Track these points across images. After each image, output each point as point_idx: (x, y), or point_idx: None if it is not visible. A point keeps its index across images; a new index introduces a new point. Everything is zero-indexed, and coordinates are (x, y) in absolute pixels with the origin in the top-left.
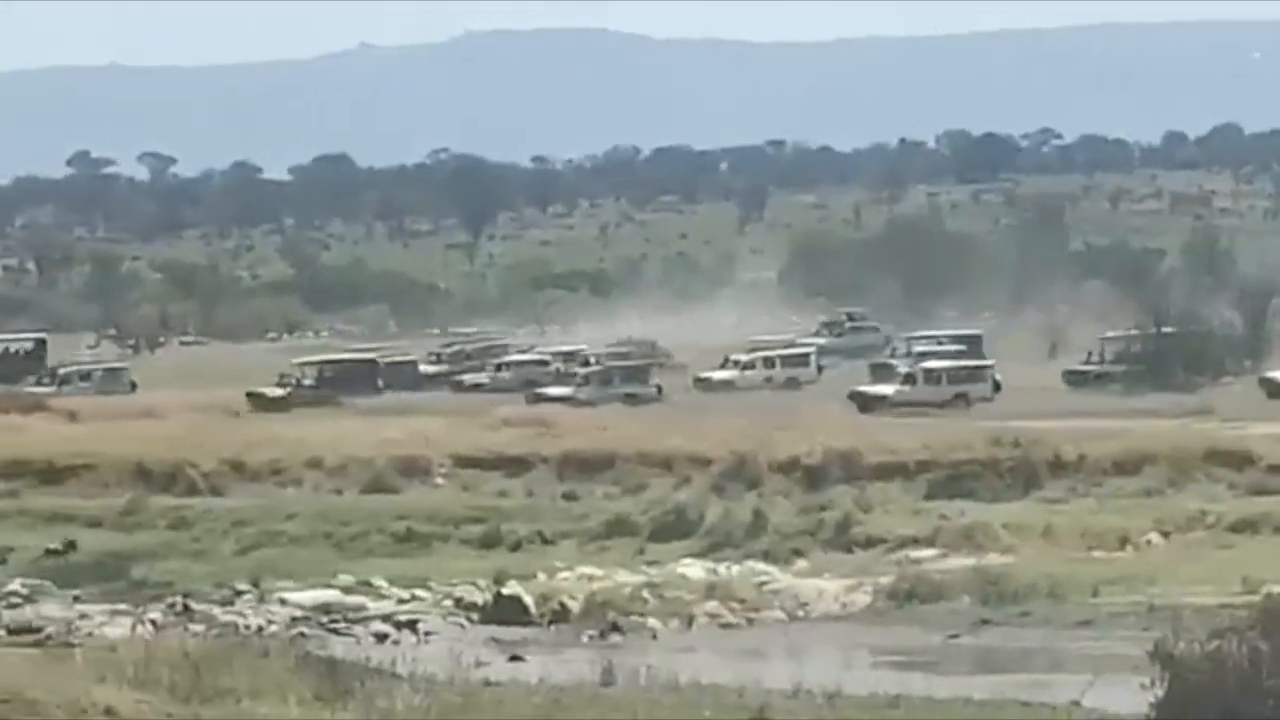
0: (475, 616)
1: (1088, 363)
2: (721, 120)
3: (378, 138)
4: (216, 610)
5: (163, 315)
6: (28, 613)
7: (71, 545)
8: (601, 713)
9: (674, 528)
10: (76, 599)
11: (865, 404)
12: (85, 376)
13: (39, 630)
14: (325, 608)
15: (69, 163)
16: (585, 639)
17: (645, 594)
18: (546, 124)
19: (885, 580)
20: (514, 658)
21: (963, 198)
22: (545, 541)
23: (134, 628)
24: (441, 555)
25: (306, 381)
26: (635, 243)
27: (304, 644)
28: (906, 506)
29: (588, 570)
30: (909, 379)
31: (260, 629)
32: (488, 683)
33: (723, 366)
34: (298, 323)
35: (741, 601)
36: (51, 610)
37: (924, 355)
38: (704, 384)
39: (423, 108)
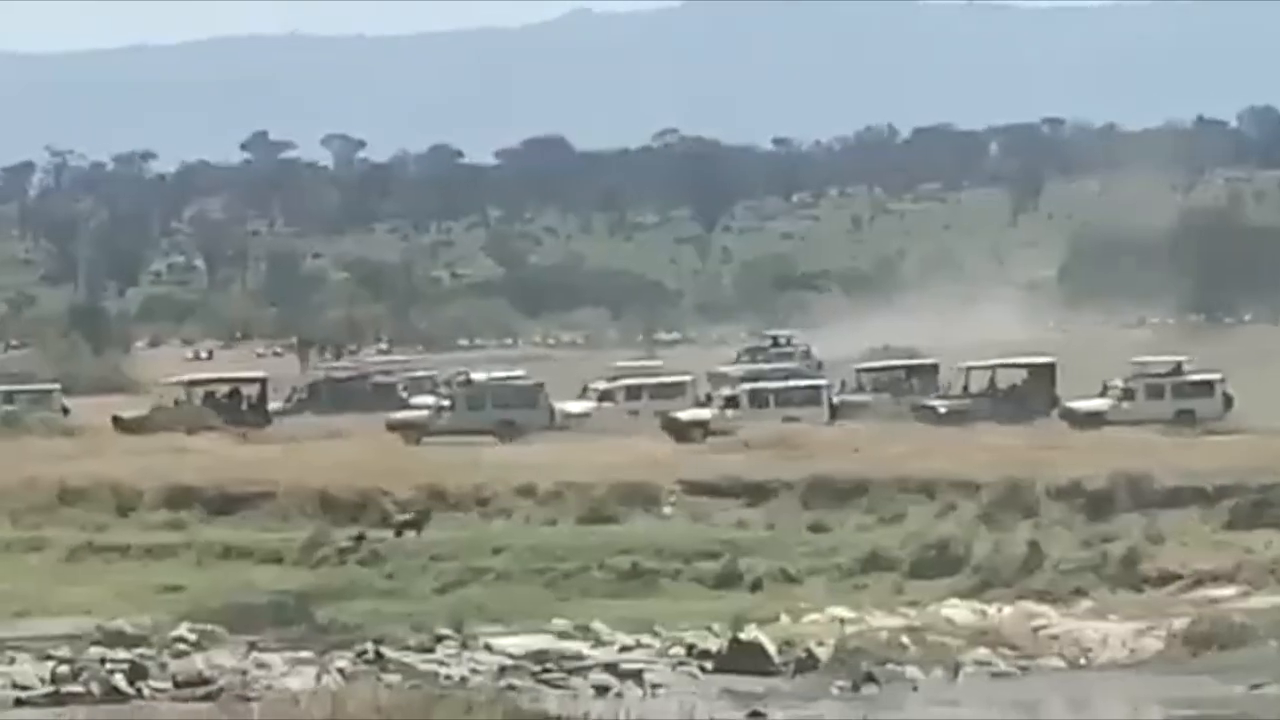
0: (709, 665)
1: None
2: (990, 96)
3: (596, 117)
4: (413, 658)
5: (350, 321)
6: (197, 662)
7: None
8: None
9: (937, 563)
10: (252, 646)
11: (1077, 421)
12: (9, 399)
13: (210, 682)
14: (538, 655)
15: (244, 146)
16: (836, 691)
17: (904, 639)
18: (790, 101)
19: (1180, 623)
20: (754, 713)
21: (1269, 185)
22: (789, 579)
23: (319, 678)
24: (670, 595)
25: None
26: (892, 236)
27: (514, 697)
28: (1204, 538)
29: (838, 612)
30: (1128, 394)
31: (464, 679)
32: None
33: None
34: (506, 328)
35: (1014, 648)
36: (224, 659)
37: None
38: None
39: (648, 83)
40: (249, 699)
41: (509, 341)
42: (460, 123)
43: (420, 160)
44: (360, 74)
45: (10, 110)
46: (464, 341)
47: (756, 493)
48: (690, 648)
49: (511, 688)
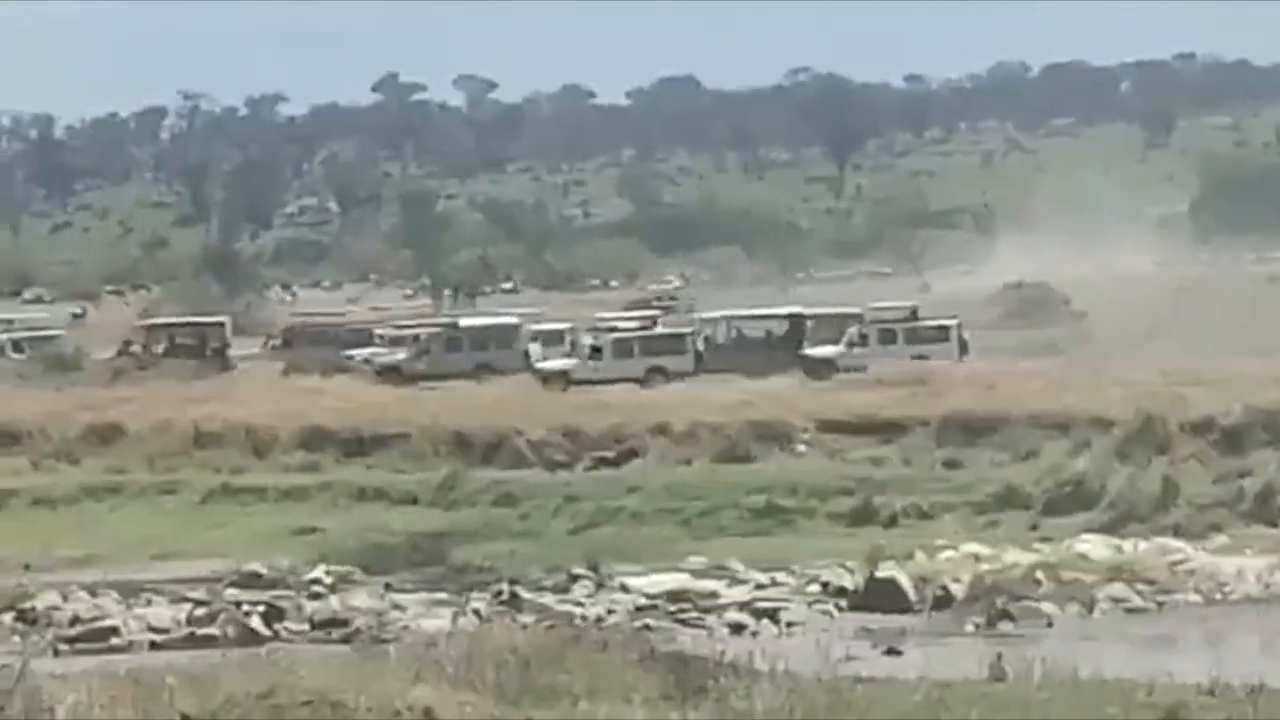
0: (844, 603)
1: None
2: (1122, 31)
3: (727, 55)
4: (548, 599)
5: (483, 261)
6: (334, 604)
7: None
8: (989, 712)
9: (1072, 499)
10: (388, 587)
11: None
12: (19, 346)
13: (347, 624)
14: (673, 595)
15: (375, 89)
16: (971, 628)
17: (1039, 575)
18: (921, 37)
19: None
20: (890, 650)
21: None
22: (924, 516)
23: (455, 619)
24: (805, 533)
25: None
26: (1024, 173)
27: (649, 636)
28: None
29: (973, 549)
30: (862, 339)
31: (599, 619)
32: (859, 679)
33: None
34: (638, 268)
35: (1150, 583)
36: (360, 601)
37: None
38: None
39: (779, 21)
40: (385, 640)
41: (646, 279)
42: (591, 62)
43: (552, 100)
44: (491, 15)
45: (141, 54)
46: (595, 281)
47: (890, 430)
48: (825, 585)
49: (647, 627)
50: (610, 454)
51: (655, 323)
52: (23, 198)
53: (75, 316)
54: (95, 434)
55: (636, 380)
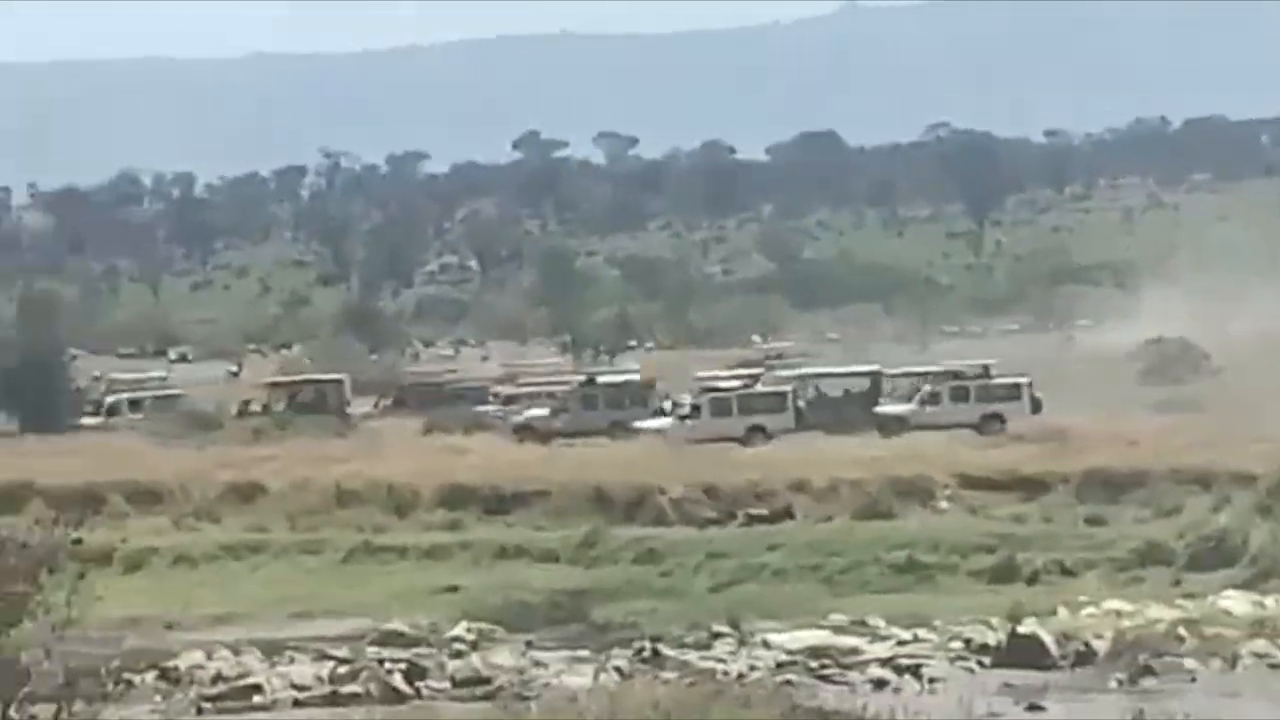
0: (987, 660)
1: None
2: (1263, 86)
3: (867, 112)
4: (690, 655)
5: (623, 318)
6: (475, 661)
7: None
8: None
9: (1214, 555)
10: (530, 645)
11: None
12: (136, 405)
13: (489, 681)
14: (815, 651)
15: (515, 146)
16: (1114, 683)
17: (1182, 631)
18: (1061, 92)
19: None
20: (1032, 706)
21: None
22: (1066, 573)
23: (596, 676)
24: (947, 590)
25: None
26: (1164, 228)
27: (791, 693)
28: None
29: (1115, 605)
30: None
31: (741, 676)
32: None
33: None
34: (778, 325)
35: None
36: (502, 658)
37: None
38: None
39: (918, 76)
40: (527, 698)
41: (756, 339)
42: (732, 119)
43: (692, 157)
44: (632, 72)
45: (283, 112)
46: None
47: (1032, 486)
48: (968, 642)
49: (788, 683)
50: (764, 511)
51: (756, 381)
52: (164, 257)
53: (232, 374)
54: (236, 493)
55: (737, 440)
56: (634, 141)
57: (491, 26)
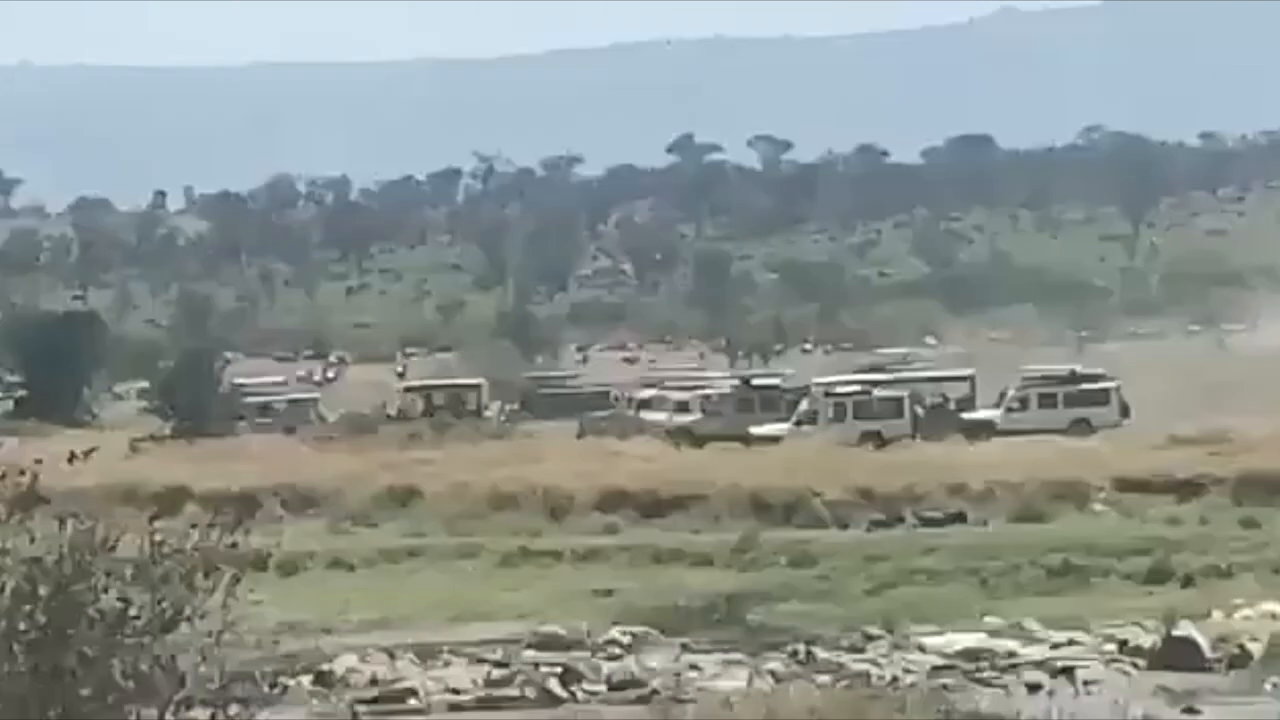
0: (1142, 662)
1: None
2: None
3: (1022, 115)
4: (845, 658)
5: (778, 322)
6: (630, 665)
7: None
8: None
9: None
10: (685, 648)
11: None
12: (266, 410)
13: (643, 684)
14: (970, 654)
15: (670, 149)
16: (1270, 687)
17: None
18: (1217, 95)
19: None
20: (1187, 709)
21: None
22: (1222, 575)
23: (750, 680)
24: (1102, 592)
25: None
26: None
27: (947, 696)
28: None
29: (1271, 607)
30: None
31: (895, 680)
32: None
33: None
34: (933, 328)
35: None
36: (657, 661)
37: None
38: None
39: (1073, 78)
40: (682, 701)
41: (931, 341)
42: (886, 122)
43: (847, 160)
44: (786, 75)
45: (437, 117)
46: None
47: (1187, 489)
48: (1123, 644)
49: (944, 687)
50: (938, 514)
51: (874, 387)
52: (319, 261)
53: (399, 375)
54: (393, 497)
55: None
56: (788, 145)
57: (646, 30)
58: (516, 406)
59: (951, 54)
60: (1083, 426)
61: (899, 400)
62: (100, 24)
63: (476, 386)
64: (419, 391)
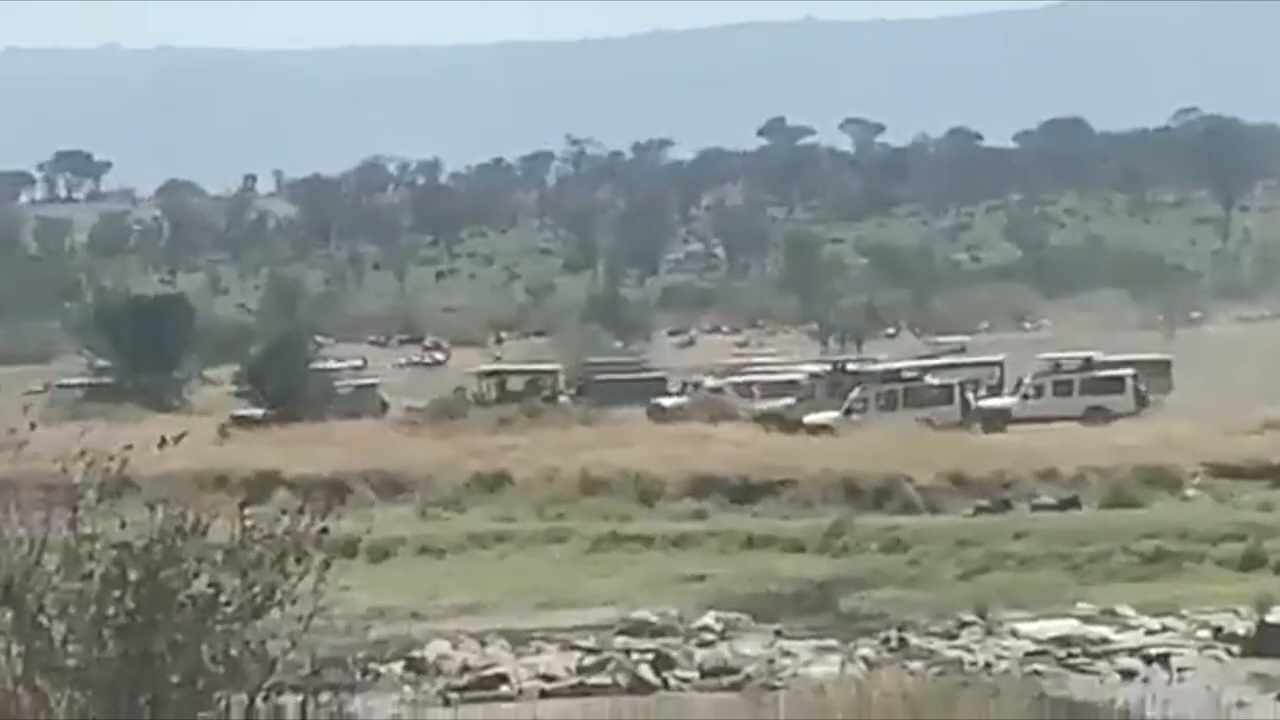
0: (1235, 649)
1: None
2: None
3: (1116, 97)
4: (938, 644)
5: (870, 306)
6: (723, 651)
7: None
8: None
9: None
10: (778, 634)
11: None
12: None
13: (736, 671)
14: (1063, 640)
15: (761, 132)
16: None
17: None
18: None
19: None
20: None
21: None
22: None
23: (843, 666)
24: (1195, 578)
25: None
26: None
27: (1040, 683)
28: None
29: None
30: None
31: (989, 665)
32: None
33: None
34: (1026, 312)
35: None
36: (750, 648)
37: None
38: None
39: (1169, 61)
40: (774, 688)
41: (1027, 325)
42: (980, 105)
43: (939, 144)
44: (879, 57)
45: (530, 100)
46: (985, 325)
47: None
48: (1217, 631)
49: (1037, 673)
50: (1052, 500)
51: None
52: (409, 245)
53: (496, 359)
54: (482, 482)
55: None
56: (880, 128)
57: (737, 14)
58: (574, 392)
59: (1045, 35)
60: (1099, 414)
61: (949, 388)
62: (188, 7)
63: (554, 372)
64: (494, 377)
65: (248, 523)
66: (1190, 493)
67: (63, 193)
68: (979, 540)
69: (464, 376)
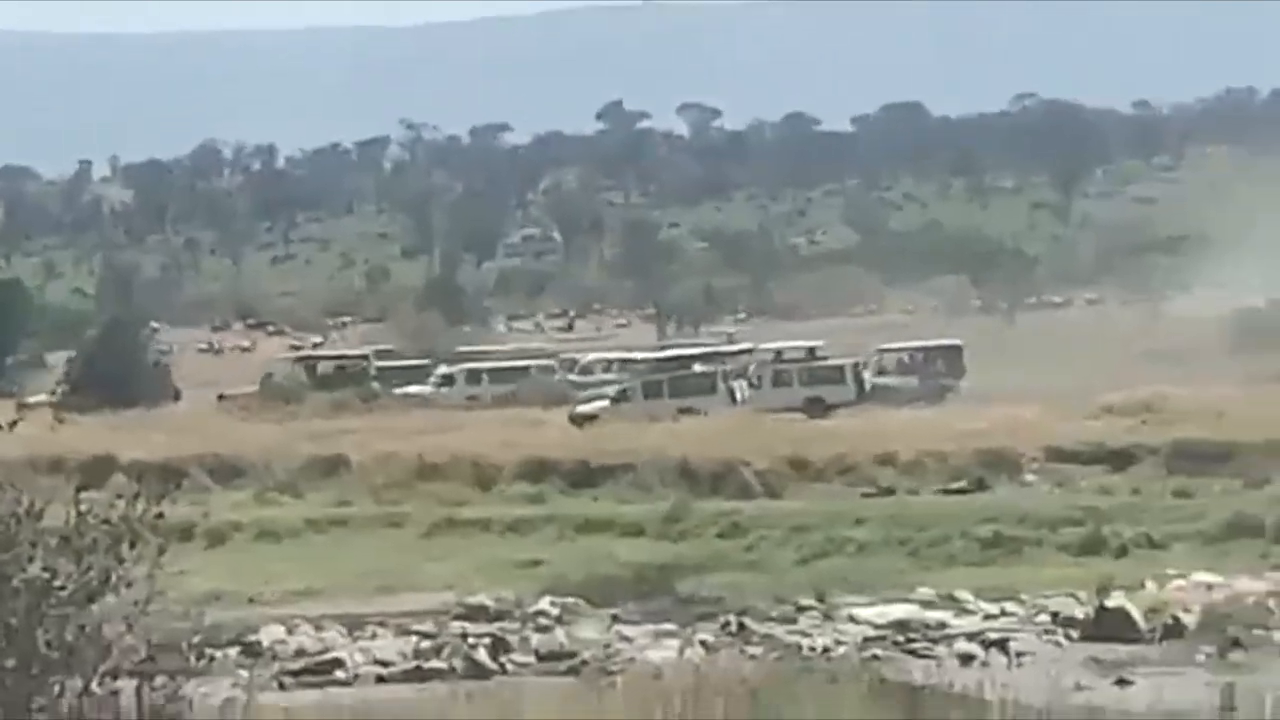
0: (1074, 633)
1: None
2: None
3: (952, 82)
4: (776, 629)
5: (708, 291)
6: (559, 636)
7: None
8: None
9: None
10: (615, 619)
11: None
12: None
13: (573, 655)
14: (902, 625)
15: (599, 116)
16: (1202, 657)
17: (1272, 604)
18: (1148, 62)
19: None
20: (1120, 681)
21: None
22: (1154, 545)
23: (681, 651)
24: (1034, 563)
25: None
26: (1253, 199)
27: (879, 668)
28: None
29: (1205, 578)
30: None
31: (827, 650)
32: (1090, 709)
33: None
34: (864, 297)
35: None
36: (586, 632)
37: None
38: None
39: (1003, 46)
40: (612, 672)
41: (873, 308)
42: (815, 89)
43: (776, 128)
44: (713, 40)
45: (364, 84)
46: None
47: (1119, 459)
48: (1055, 615)
49: (875, 658)
50: (963, 484)
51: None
52: (246, 230)
53: (316, 346)
54: (318, 467)
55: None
56: (717, 113)
57: None
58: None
59: (882, 20)
60: (818, 405)
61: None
62: None
63: (365, 357)
64: (305, 362)
65: (83, 507)
66: (1029, 478)
67: None
68: (818, 525)
69: (274, 363)
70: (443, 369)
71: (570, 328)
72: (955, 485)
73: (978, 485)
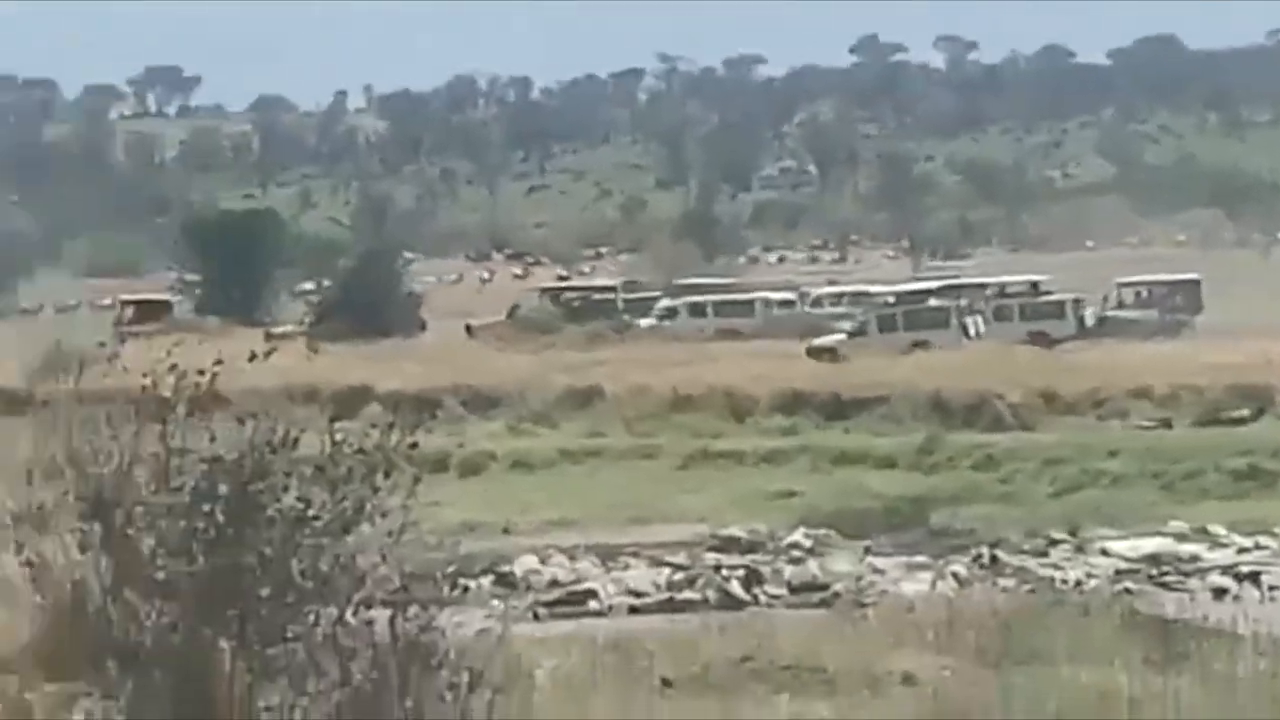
0: None
1: None
2: None
3: (1210, 14)
4: (1029, 562)
5: (962, 223)
6: (812, 568)
7: None
8: None
9: None
10: (868, 551)
11: None
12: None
13: (826, 587)
14: (1154, 559)
15: (853, 50)
16: None
17: None
18: None
19: None
20: None
21: None
22: None
23: (934, 583)
24: None
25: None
26: None
27: (1131, 601)
28: None
29: None
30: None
31: (1079, 583)
32: None
33: None
34: (1119, 229)
35: None
36: (839, 565)
37: None
38: None
39: None
40: (864, 604)
41: (1132, 240)
42: (1073, 22)
43: (1032, 61)
44: None
45: (620, 15)
46: (1090, 243)
47: None
48: None
49: (1127, 591)
50: (1244, 413)
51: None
52: (500, 160)
53: (582, 275)
54: (573, 398)
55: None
56: (973, 45)
57: None
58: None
59: None
60: (1041, 339)
61: (945, 310)
62: None
63: (612, 288)
64: (551, 292)
65: (337, 437)
66: None
67: (153, 108)
68: (1071, 458)
69: (521, 294)
70: (665, 302)
71: (843, 259)
72: (1232, 414)
73: (1256, 415)
